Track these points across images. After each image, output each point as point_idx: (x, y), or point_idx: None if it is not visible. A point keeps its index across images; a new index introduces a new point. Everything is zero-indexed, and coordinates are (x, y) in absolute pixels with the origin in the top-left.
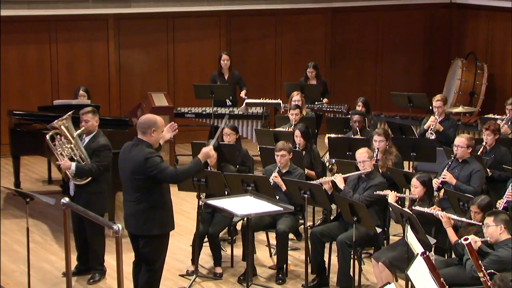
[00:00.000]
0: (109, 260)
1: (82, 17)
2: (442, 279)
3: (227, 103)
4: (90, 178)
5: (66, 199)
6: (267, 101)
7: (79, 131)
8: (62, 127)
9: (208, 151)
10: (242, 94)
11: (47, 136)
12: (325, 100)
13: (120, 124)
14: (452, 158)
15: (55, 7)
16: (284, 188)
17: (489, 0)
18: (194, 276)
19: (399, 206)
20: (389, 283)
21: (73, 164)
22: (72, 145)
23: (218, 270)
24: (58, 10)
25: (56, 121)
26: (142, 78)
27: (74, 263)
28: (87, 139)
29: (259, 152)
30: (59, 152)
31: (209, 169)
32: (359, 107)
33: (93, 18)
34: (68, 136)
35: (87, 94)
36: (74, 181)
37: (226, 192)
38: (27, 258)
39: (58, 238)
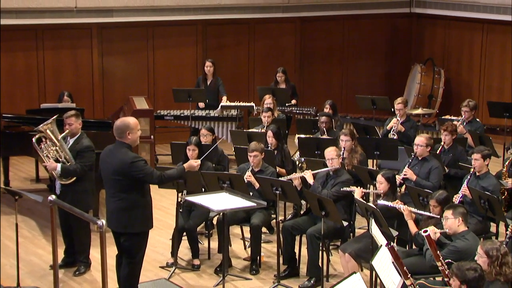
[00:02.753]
0: (94, 253)
1: (67, 26)
2: (405, 267)
3: (207, 102)
4: (75, 178)
5: (53, 197)
6: (241, 104)
7: (63, 134)
8: (47, 130)
9: (195, 165)
10: (224, 99)
11: (33, 139)
12: (293, 101)
13: (104, 126)
14: (413, 156)
15: (42, 16)
16: (257, 186)
17: (445, 11)
18: (174, 267)
19: (364, 201)
20: (355, 272)
21: (59, 165)
22: (57, 147)
23: (196, 262)
24: (44, 20)
25: (41, 125)
26: (124, 83)
27: (60, 256)
28: (71, 141)
29: (234, 152)
30: (45, 154)
31: None
32: (327, 109)
33: (78, 27)
34: (53, 139)
35: (70, 98)
36: (60, 181)
37: (203, 189)
38: (16, 252)
39: (45, 233)
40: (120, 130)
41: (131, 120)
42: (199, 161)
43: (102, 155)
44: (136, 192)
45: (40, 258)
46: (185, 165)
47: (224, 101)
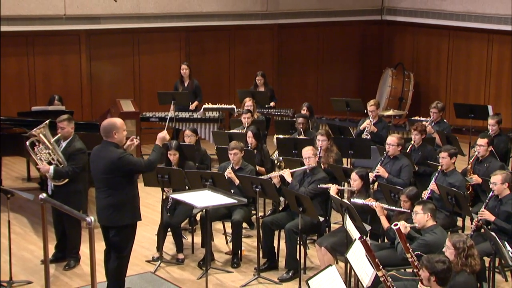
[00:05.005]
0: (83, 249)
1: (56, 32)
2: (377, 260)
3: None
4: (67, 179)
5: (43, 195)
6: (223, 106)
7: (56, 137)
8: (40, 134)
9: (164, 135)
10: (193, 106)
11: (27, 143)
12: (272, 103)
13: (92, 127)
14: (385, 155)
15: (32, 23)
16: (237, 182)
17: (414, 18)
18: (159, 261)
19: (339, 198)
20: (330, 265)
21: (51, 168)
22: (50, 151)
23: (180, 256)
24: (35, 27)
25: (34, 129)
26: (111, 86)
27: (51, 251)
28: (64, 143)
29: (216, 152)
30: (38, 157)
31: (172, 166)
32: (304, 111)
33: (67, 34)
34: (46, 143)
35: (60, 102)
36: (53, 182)
37: (186, 187)
38: (9, 248)
39: (36, 230)
40: (107, 130)
41: (117, 120)
42: (165, 131)
43: (92, 155)
44: (125, 188)
45: (31, 254)
46: (157, 142)
47: (193, 107)
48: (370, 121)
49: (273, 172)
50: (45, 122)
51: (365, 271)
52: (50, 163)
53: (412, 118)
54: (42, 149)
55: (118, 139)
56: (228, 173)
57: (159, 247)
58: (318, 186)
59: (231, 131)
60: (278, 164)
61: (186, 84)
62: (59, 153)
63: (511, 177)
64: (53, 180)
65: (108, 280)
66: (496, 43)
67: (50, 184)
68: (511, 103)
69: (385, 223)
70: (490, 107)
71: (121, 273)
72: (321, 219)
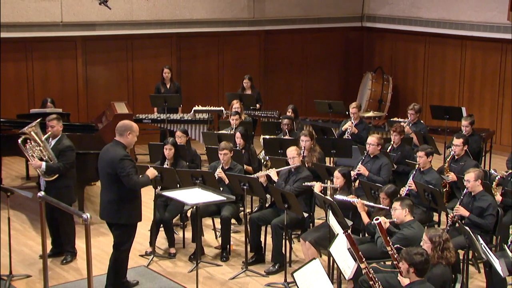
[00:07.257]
0: (80, 244)
1: (54, 38)
2: (360, 252)
3: (181, 106)
4: (57, 175)
5: (42, 193)
6: (212, 108)
7: (46, 135)
8: (32, 132)
9: (154, 171)
10: (179, 110)
11: (19, 141)
12: (257, 105)
13: (88, 129)
14: (365, 154)
15: (31, 30)
16: (227, 181)
17: (392, 25)
18: (152, 256)
19: (323, 195)
20: (314, 258)
21: (43, 164)
22: (41, 148)
23: (172, 250)
24: (33, 33)
25: (26, 127)
26: (106, 89)
27: (49, 247)
28: (53, 142)
29: (205, 151)
30: (30, 154)
31: (165, 165)
32: (289, 113)
33: (64, 40)
34: (37, 140)
35: (53, 104)
36: (44, 178)
37: (178, 185)
38: (9, 243)
39: (35, 226)
40: (123, 128)
41: (134, 125)
42: (154, 171)
43: (101, 152)
44: (125, 186)
45: (30, 249)
46: (149, 174)
47: (180, 111)
48: (352, 122)
49: (260, 172)
50: (36, 121)
51: (347, 264)
52: (41, 159)
53: (391, 119)
54: (33, 146)
55: (128, 140)
56: (219, 173)
57: (152, 242)
58: (303, 184)
59: (220, 132)
60: (264, 163)
61: (168, 86)
62: (50, 150)
63: (484, 174)
64: (44, 176)
65: (108, 272)
66: (469, 48)
67: (42, 181)
68: (483, 105)
69: (365, 219)
70: (463, 109)
71: (119, 267)
72: (306, 215)
